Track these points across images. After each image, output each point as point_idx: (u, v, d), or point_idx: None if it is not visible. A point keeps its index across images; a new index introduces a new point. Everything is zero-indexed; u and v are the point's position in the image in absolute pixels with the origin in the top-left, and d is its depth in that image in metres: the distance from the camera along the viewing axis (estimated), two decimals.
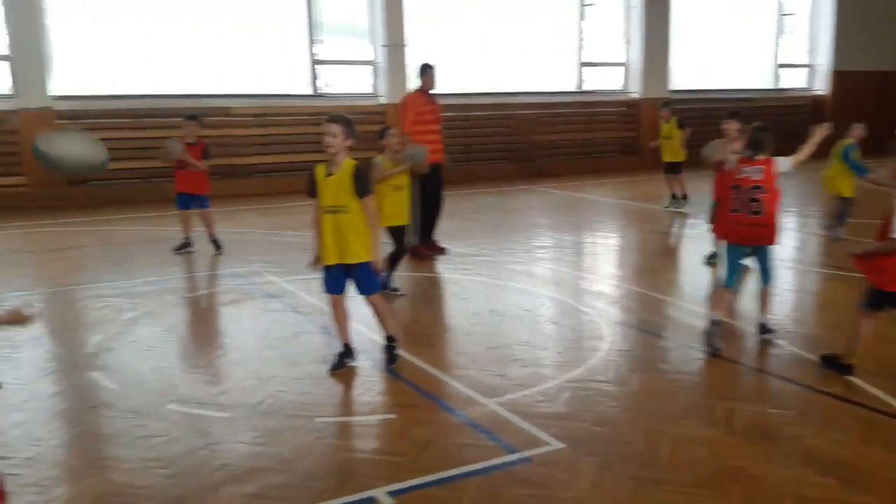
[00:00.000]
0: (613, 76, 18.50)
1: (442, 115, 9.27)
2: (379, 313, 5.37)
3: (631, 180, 15.96)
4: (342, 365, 5.36)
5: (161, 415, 4.66)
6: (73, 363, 5.58)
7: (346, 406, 4.92)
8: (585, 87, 18.06)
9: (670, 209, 11.94)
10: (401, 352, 5.54)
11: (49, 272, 8.51)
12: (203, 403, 4.83)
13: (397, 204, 7.06)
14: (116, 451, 4.24)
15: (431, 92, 9.03)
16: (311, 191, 5.14)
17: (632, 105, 18.20)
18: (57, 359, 5.71)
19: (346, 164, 5.02)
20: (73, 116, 12.73)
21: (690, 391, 5.05)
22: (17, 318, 3.42)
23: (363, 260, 5.10)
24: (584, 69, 18.02)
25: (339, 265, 5.13)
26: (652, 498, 3.69)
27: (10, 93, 12.51)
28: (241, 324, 6.67)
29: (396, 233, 7.17)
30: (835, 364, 5.13)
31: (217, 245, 9.00)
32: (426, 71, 8.99)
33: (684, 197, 11.89)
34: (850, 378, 5.03)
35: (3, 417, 4.71)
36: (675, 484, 3.80)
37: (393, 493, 3.74)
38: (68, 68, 12.99)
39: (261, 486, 3.84)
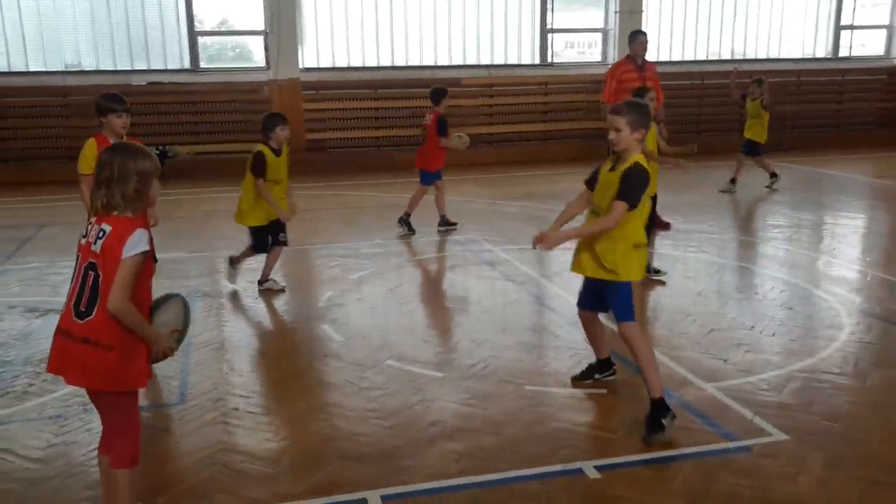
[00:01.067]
0: (874, 40, 16.71)
1: (668, 83, 9.03)
2: (635, 355, 4.13)
3: (887, 156, 14.40)
4: (589, 376, 4.69)
5: (381, 369, 4.91)
6: (307, 316, 6.04)
7: (557, 377, 4.89)
8: (842, 53, 16.46)
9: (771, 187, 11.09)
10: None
11: (290, 232, 9.21)
12: (419, 362, 5.03)
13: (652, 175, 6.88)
14: (341, 399, 4.53)
15: (648, 60, 9.04)
16: (591, 182, 4.27)
17: (894, 73, 16.36)
18: (293, 311, 6.20)
19: (629, 161, 4.04)
20: (315, 87, 13.66)
21: None
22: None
23: (617, 280, 4.10)
24: (842, 32, 16.41)
25: (591, 277, 4.24)
26: (886, 502, 3.34)
27: (263, 65, 13.65)
28: (457, 289, 6.85)
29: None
30: None
31: (409, 225, 8.62)
32: (635, 38, 8.92)
33: (733, 181, 11.07)
34: None
35: (247, 361, 5.20)
36: None
37: (600, 468, 3.68)
38: (314, 42, 13.93)
39: (469, 445, 3.93)
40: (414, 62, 14.32)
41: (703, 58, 15.65)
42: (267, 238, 6.55)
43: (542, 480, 3.61)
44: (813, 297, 6.25)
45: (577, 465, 3.72)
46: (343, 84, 13.86)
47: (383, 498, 3.48)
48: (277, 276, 7.29)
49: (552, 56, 14.97)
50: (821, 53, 16.47)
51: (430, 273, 7.39)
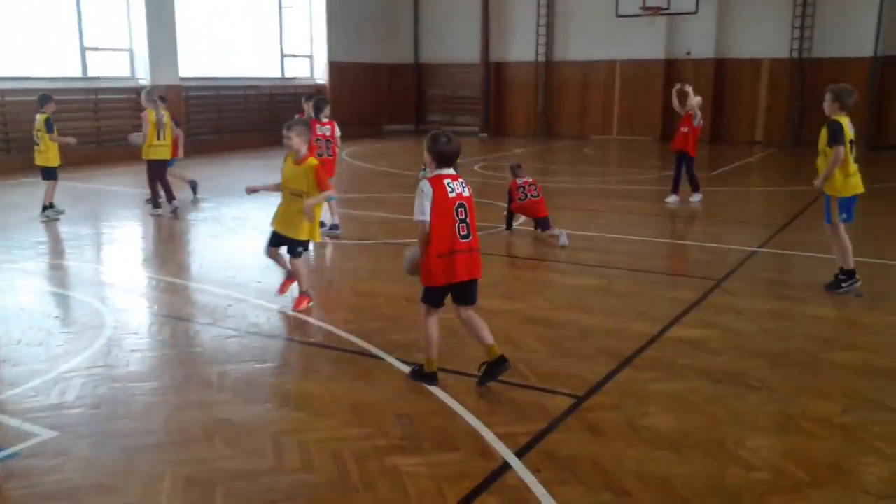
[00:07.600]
0: (121, 62, 17.83)
1: None
2: None
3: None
4: None
5: None
6: None
7: None
8: (91, 74, 17.11)
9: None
10: None
11: None
12: None
13: None
14: None
15: None
16: None
17: (139, 92, 17.77)
18: None
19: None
20: None
21: (190, 362, 5.28)
22: None
23: None
24: (88, 54, 17.05)
25: None
26: (147, 462, 3.86)
27: None
28: None
29: None
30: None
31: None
32: None
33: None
34: (329, 326, 5.82)
35: None
36: (168, 445, 4.04)
37: None
38: None
39: None
40: None
41: None
42: None
43: None
44: (79, 303, 6.57)
45: None
46: None
47: None
48: None
49: None
50: (73, 73, 16.84)
51: None
